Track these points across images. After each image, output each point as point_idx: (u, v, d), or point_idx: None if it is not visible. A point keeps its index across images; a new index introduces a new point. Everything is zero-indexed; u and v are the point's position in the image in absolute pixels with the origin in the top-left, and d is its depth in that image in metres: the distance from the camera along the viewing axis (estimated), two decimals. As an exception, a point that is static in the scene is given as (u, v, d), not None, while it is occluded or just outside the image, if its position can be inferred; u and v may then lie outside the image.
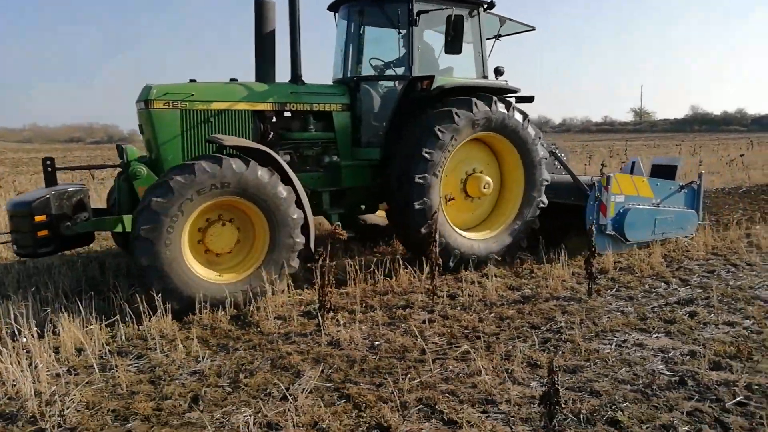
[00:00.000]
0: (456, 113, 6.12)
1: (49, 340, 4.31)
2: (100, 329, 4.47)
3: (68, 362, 3.98)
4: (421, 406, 3.39)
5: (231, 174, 4.93)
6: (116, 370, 3.82)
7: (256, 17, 6.05)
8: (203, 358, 4.08)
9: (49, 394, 3.47)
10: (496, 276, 6.11)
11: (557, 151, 7.76)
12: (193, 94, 5.72)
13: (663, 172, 8.16)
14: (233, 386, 3.69)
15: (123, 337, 4.46)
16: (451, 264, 6.33)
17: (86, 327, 4.43)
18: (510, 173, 6.93)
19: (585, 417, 3.19)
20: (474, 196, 6.71)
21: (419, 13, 6.42)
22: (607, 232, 6.90)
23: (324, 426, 3.13)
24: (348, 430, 3.12)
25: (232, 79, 6.39)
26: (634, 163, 8.55)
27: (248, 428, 3.12)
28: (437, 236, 5.50)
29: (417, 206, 6.02)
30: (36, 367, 3.68)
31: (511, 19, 7.57)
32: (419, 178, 6.00)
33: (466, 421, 3.15)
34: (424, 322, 4.86)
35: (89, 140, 78.01)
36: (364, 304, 5.29)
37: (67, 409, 3.30)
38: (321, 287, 4.73)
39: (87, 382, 3.67)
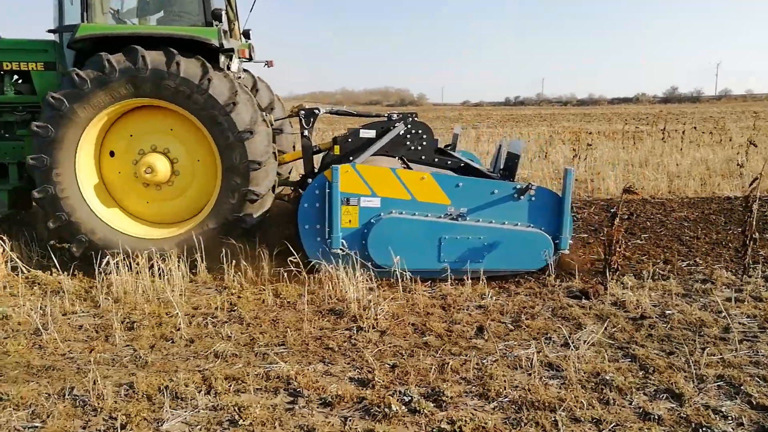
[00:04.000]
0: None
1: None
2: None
3: (378, 281, 4.73)
4: (721, 383, 3.07)
5: None
6: (415, 293, 4.41)
7: None
8: (487, 296, 4.39)
9: (365, 301, 4.22)
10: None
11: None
12: None
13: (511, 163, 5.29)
14: (515, 324, 3.91)
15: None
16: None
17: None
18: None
19: None
20: (148, 182, 5.08)
21: None
22: (333, 249, 4.63)
23: (607, 378, 3.10)
24: (633, 387, 3.03)
25: None
26: (500, 147, 6.04)
27: (531, 363, 3.29)
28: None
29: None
30: (357, 280, 4.48)
31: None
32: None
33: (782, 411, 2.74)
34: (729, 300, 4.29)
35: (385, 102, 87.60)
36: (652, 271, 4.91)
37: (378, 315, 3.98)
38: (608, 246, 4.57)
39: (392, 298, 4.33)
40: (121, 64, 4.69)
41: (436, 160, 5.73)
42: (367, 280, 4.55)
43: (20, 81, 5.59)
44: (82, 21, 4.93)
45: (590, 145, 12.33)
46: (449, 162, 5.76)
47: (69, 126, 4.75)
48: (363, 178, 4.62)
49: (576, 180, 9.52)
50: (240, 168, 4.86)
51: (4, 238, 4.82)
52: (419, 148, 5.71)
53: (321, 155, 6.10)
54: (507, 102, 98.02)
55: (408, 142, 5.70)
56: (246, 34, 6.59)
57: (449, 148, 6.88)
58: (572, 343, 3.52)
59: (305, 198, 4.68)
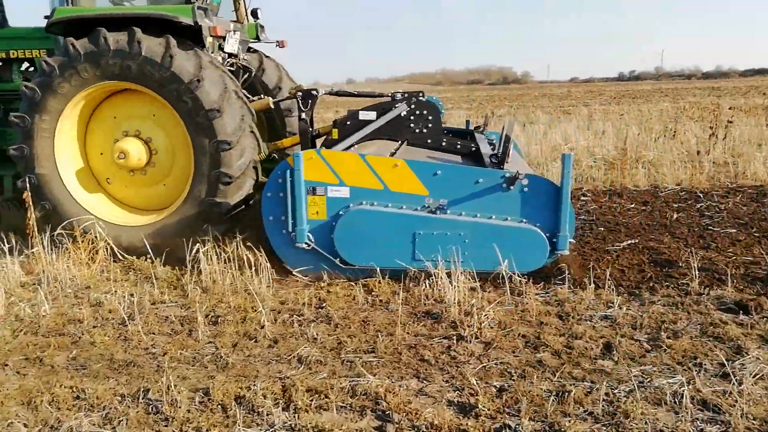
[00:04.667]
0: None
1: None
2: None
3: (482, 279, 4.16)
4: None
5: None
6: (525, 296, 3.80)
7: None
8: (615, 304, 3.68)
9: (467, 305, 3.69)
10: None
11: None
12: None
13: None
14: (652, 344, 3.19)
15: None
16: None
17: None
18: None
19: None
20: (124, 167, 4.85)
21: None
22: (298, 244, 4.16)
23: (790, 430, 2.35)
24: (831, 447, 2.26)
25: None
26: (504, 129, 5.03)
27: (678, 399, 2.60)
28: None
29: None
30: (457, 278, 3.95)
31: None
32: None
33: None
34: None
35: (487, 81, 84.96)
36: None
37: (482, 323, 3.43)
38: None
39: (498, 302, 3.75)
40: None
41: (444, 143, 5.12)
42: (468, 278, 4.01)
43: (30, 68, 5.67)
44: (65, 4, 4.87)
45: (731, 121, 10.68)
46: (459, 146, 5.13)
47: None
48: (329, 165, 4.12)
49: (714, 163, 8.22)
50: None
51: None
52: (424, 130, 5.10)
53: (322, 139, 5.54)
54: (621, 77, 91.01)
55: (412, 125, 5.08)
56: (254, 14, 6.29)
57: (480, 130, 6.12)
58: (733, 374, 2.76)
59: (268, 186, 4.24)
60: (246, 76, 6.08)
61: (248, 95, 5.47)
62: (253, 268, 4.22)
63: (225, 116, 4.54)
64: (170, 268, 4.60)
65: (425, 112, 5.11)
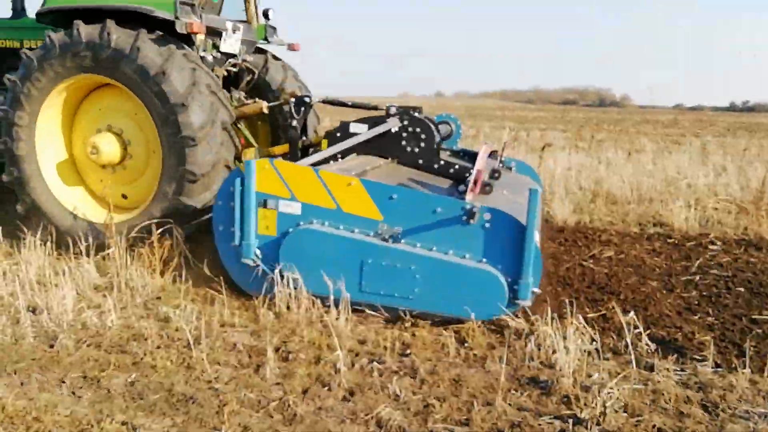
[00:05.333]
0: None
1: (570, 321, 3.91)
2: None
3: (600, 342, 3.46)
4: None
5: None
6: (657, 372, 3.08)
7: None
8: (777, 399, 2.88)
9: (583, 376, 3.03)
10: None
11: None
12: None
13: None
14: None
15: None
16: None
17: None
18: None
19: None
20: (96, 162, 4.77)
21: None
22: (244, 259, 3.74)
23: None
24: None
25: None
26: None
27: None
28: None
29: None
30: (566, 338, 3.28)
31: None
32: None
33: None
34: None
35: (582, 102, 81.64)
36: None
37: (606, 405, 2.76)
38: None
39: (623, 377, 3.05)
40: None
41: (437, 166, 4.70)
42: (580, 338, 3.33)
43: None
44: None
45: None
46: (452, 170, 4.65)
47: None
48: (282, 178, 3.72)
49: None
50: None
51: (180, 229, 4.58)
52: (416, 149, 4.73)
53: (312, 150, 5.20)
54: (733, 107, 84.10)
55: (403, 142, 4.73)
56: (265, 14, 6.19)
57: (495, 155, 5.56)
58: None
59: (219, 194, 3.91)
60: (249, 77, 5.99)
61: (251, 97, 5.57)
62: (332, 297, 3.77)
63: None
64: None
65: (418, 129, 4.75)
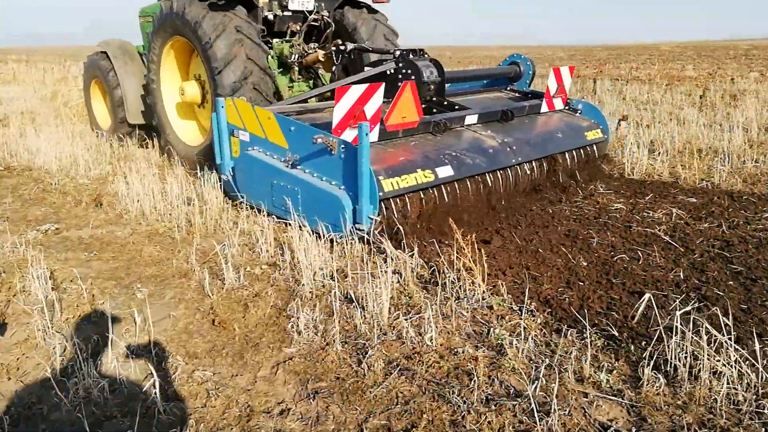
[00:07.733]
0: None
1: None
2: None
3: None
4: None
5: None
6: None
7: None
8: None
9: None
10: None
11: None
12: None
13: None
14: None
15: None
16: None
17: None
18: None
19: None
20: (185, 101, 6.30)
21: None
22: (222, 175, 5.11)
23: None
24: None
25: None
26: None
27: None
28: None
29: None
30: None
31: None
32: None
33: None
34: None
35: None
36: None
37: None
38: None
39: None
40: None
41: (423, 106, 5.02)
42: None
43: None
44: None
45: None
46: (435, 110, 5.21)
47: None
48: (238, 112, 4.80)
49: None
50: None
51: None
52: None
53: None
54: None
55: (399, 84, 4.80)
56: None
57: (527, 94, 6.43)
58: None
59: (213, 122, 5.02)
60: (327, 30, 6.44)
61: (325, 48, 6.20)
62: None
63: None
64: (426, 259, 3.75)
65: (409, 71, 5.13)
